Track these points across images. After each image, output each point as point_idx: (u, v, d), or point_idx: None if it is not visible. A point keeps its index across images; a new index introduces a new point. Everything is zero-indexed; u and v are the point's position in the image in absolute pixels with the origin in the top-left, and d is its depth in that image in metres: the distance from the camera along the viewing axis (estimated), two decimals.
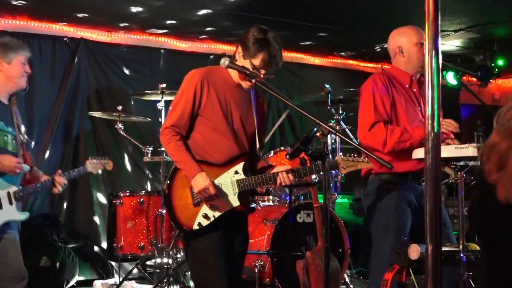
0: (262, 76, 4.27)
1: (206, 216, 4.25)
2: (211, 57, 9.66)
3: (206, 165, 4.28)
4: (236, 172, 4.31)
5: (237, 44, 4.38)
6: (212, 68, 4.51)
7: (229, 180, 4.30)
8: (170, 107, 4.41)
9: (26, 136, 5.43)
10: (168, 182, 4.36)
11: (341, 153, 4.36)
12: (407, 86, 5.00)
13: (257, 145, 4.51)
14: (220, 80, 4.38)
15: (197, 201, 4.26)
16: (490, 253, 2.79)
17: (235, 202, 4.29)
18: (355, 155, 4.39)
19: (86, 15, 8.31)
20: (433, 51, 2.12)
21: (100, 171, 6.03)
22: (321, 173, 4.05)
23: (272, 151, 6.87)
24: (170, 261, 7.04)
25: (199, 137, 4.35)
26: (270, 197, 6.95)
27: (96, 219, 8.75)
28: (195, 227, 4.24)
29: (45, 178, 5.25)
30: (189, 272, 5.44)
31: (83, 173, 5.74)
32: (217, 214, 4.26)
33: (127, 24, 8.78)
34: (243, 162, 4.33)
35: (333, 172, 7.09)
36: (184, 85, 4.37)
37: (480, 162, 2.84)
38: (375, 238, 4.96)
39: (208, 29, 9.09)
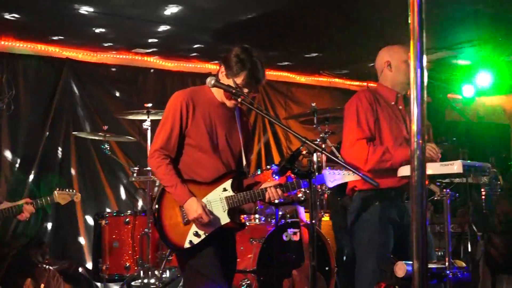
0: (245, 94, 4.29)
1: (197, 234, 4.26)
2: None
3: (194, 184, 4.30)
4: (225, 189, 4.33)
5: (220, 63, 4.42)
6: (196, 89, 4.54)
7: (218, 197, 4.31)
8: (157, 129, 4.42)
9: None
10: (157, 201, 4.36)
11: (328, 167, 4.39)
12: (392, 103, 5.01)
13: (244, 162, 4.52)
14: (204, 100, 4.41)
15: (187, 220, 4.27)
16: None
17: (225, 219, 4.31)
18: (342, 169, 4.39)
19: (71, 35, 8.31)
20: (418, 69, 2.13)
21: (68, 200, 6.16)
22: (307, 190, 4.06)
23: (259, 170, 6.88)
24: (157, 281, 7.00)
25: (185, 158, 4.38)
26: (257, 216, 6.93)
27: (82, 239, 8.71)
28: (186, 245, 4.26)
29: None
30: None
31: (50, 202, 5.95)
32: (208, 231, 4.26)
33: (112, 43, 8.78)
34: (231, 179, 4.36)
35: (320, 190, 7.09)
36: (169, 107, 4.39)
37: None
38: (359, 255, 4.97)
39: (194, 48, 9.10)
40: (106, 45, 8.83)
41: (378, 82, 5.17)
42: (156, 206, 4.35)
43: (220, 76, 4.38)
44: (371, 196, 4.87)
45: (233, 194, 4.33)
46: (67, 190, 6.15)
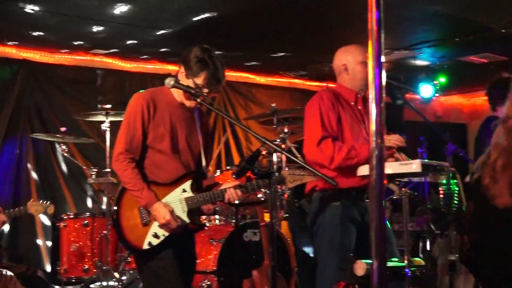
0: (205, 94, 4.27)
1: (156, 235, 4.23)
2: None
3: (154, 185, 4.28)
4: (184, 190, 4.32)
5: (180, 64, 4.40)
6: (155, 90, 4.51)
7: (178, 199, 4.30)
8: (119, 132, 4.38)
9: None
10: (116, 203, 4.33)
11: (287, 168, 4.37)
12: (352, 103, 5.03)
13: (203, 163, 4.51)
14: (164, 101, 4.39)
15: (146, 221, 4.25)
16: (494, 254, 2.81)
17: (184, 220, 4.29)
18: (301, 169, 4.40)
19: (29, 36, 8.22)
20: (377, 69, 2.13)
21: (42, 212, 6.21)
22: (267, 191, 4.06)
23: (218, 171, 6.87)
24: (116, 283, 6.95)
25: (146, 160, 4.35)
26: (217, 216, 6.92)
27: (40, 242, 8.61)
28: (145, 246, 4.23)
29: None
30: None
31: (23, 214, 5.98)
32: (166, 233, 4.24)
33: (71, 45, 8.70)
34: (191, 180, 4.35)
35: (279, 190, 7.10)
36: (130, 109, 4.36)
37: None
38: (320, 255, 4.97)
39: (153, 50, 9.06)
40: (64, 46, 8.75)
41: (337, 82, 5.19)
42: (115, 207, 4.32)
43: (180, 76, 4.35)
44: (332, 195, 4.87)
45: (193, 195, 4.31)
46: (41, 201, 6.15)
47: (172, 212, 4.21)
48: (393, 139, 4.72)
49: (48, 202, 6.17)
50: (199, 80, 4.27)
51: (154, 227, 4.24)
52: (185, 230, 4.33)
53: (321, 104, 4.90)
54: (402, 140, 4.75)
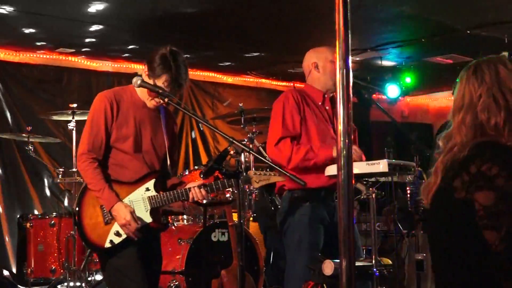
0: (171, 95, 4.26)
1: (117, 234, 4.22)
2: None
3: (117, 183, 4.27)
4: (147, 189, 4.31)
5: (145, 63, 4.37)
6: (120, 89, 4.49)
7: (141, 197, 4.28)
8: (82, 132, 4.36)
9: None
10: (78, 201, 4.31)
11: (253, 168, 4.36)
12: (319, 103, 5.05)
13: (168, 163, 4.49)
14: (128, 100, 4.38)
15: (108, 219, 4.23)
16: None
17: (147, 218, 4.27)
18: (267, 169, 4.41)
19: None
20: (344, 69, 2.14)
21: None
22: (235, 191, 4.06)
23: (187, 170, 6.85)
24: (83, 284, 6.91)
25: (110, 159, 4.34)
26: (185, 216, 6.90)
27: (6, 242, 8.52)
28: (107, 245, 4.21)
29: None
30: None
31: None
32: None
33: (36, 43, 8.63)
34: (154, 179, 4.33)
35: (248, 190, 7.11)
36: (93, 108, 4.35)
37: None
38: (289, 255, 4.97)
39: (120, 48, 9.01)
40: (29, 44, 8.67)
41: (305, 83, 5.21)
42: (77, 208, 4.29)
43: (144, 76, 4.33)
44: (301, 195, 4.89)
45: (156, 194, 4.30)
46: None
47: (133, 213, 4.19)
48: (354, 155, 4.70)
49: None
50: (160, 82, 4.23)
51: (116, 226, 4.22)
52: (148, 229, 4.31)
53: (286, 104, 4.92)
54: (361, 154, 4.76)
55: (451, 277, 2.72)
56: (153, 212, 4.29)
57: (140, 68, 9.45)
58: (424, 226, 2.95)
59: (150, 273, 4.36)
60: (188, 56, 9.49)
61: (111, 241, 4.20)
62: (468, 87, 2.81)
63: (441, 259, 2.77)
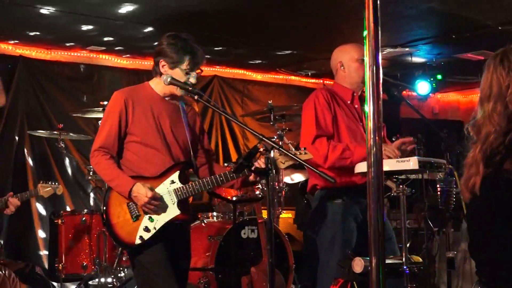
0: (195, 74, 4.32)
1: (147, 229, 4.23)
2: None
3: (141, 179, 4.27)
4: (173, 182, 4.31)
5: (157, 58, 4.41)
6: (135, 87, 4.57)
7: (166, 190, 4.30)
8: (97, 131, 4.43)
9: None
10: (104, 202, 4.33)
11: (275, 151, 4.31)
12: (348, 102, 5.03)
13: (191, 154, 4.50)
14: (144, 96, 4.42)
15: (136, 215, 4.25)
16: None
17: (175, 211, 4.28)
18: (293, 149, 4.36)
19: (26, 32, 8.21)
20: (374, 66, 2.14)
21: (52, 193, 6.43)
22: (265, 188, 4.06)
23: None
24: (114, 280, 6.95)
25: (131, 155, 4.36)
26: (214, 213, 6.92)
27: (38, 239, 8.60)
28: (137, 241, 4.23)
29: None
30: None
31: (34, 195, 6.22)
32: (158, 225, 4.24)
33: (68, 41, 8.69)
34: (179, 171, 4.34)
35: (277, 187, 7.11)
36: (108, 107, 4.40)
37: None
38: (322, 253, 4.96)
39: (150, 46, 9.05)
40: (60, 42, 8.74)
41: (334, 81, 5.19)
42: (104, 207, 4.32)
43: (163, 70, 4.36)
44: (333, 194, 4.88)
45: (182, 185, 4.31)
46: (50, 183, 6.34)
47: (152, 189, 4.20)
48: (388, 151, 4.68)
49: (57, 183, 6.39)
50: (185, 65, 4.30)
51: (145, 221, 4.24)
52: (177, 222, 4.32)
53: (317, 103, 4.91)
54: (397, 155, 4.72)
55: (500, 264, 2.74)
56: (180, 204, 4.31)
57: None
58: (468, 215, 2.94)
59: (178, 270, 4.37)
60: (218, 54, 9.52)
61: (140, 237, 4.22)
62: (496, 76, 2.82)
63: (490, 248, 2.78)
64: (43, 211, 8.69)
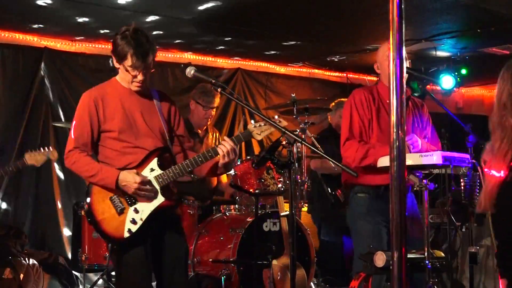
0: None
1: (133, 221, 4.23)
2: (181, 65, 9.56)
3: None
4: (152, 170, 4.31)
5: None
6: (103, 85, 4.58)
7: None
8: (69, 133, 4.44)
9: None
10: (87, 199, 4.32)
11: (252, 121, 4.23)
12: (387, 101, 5.06)
13: (168, 141, 4.48)
14: (113, 92, 4.44)
15: (121, 209, 4.24)
16: None
17: (159, 198, 4.28)
18: (268, 119, 4.32)
19: (49, 24, 8.24)
20: (397, 60, 2.13)
21: (44, 160, 6.12)
22: (287, 181, 4.06)
23: (239, 160, 6.86)
24: None
25: (110, 152, 4.37)
26: (236, 206, 6.93)
27: (61, 229, 8.65)
28: (126, 234, 4.22)
29: None
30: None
31: (21, 167, 5.84)
32: (144, 216, 4.24)
33: (91, 33, 8.72)
34: (156, 158, 4.33)
35: (299, 180, 7.11)
36: (77, 111, 4.43)
37: None
38: (355, 245, 5.16)
39: (174, 38, 9.06)
40: (85, 34, 8.76)
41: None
42: (87, 205, 4.30)
43: (116, 65, 4.41)
44: (361, 190, 5.07)
45: (162, 172, 4.29)
46: (40, 149, 5.99)
47: (139, 173, 4.20)
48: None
49: (48, 148, 6.06)
50: (128, 62, 4.27)
51: (131, 213, 4.23)
52: (163, 210, 4.30)
53: (352, 105, 5.12)
54: (408, 146, 4.76)
55: None
56: (163, 190, 4.29)
57: (193, 57, 9.57)
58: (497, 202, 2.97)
59: (171, 259, 4.38)
60: (242, 46, 9.52)
61: (129, 230, 4.22)
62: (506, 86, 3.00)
63: None
64: (66, 202, 8.73)
